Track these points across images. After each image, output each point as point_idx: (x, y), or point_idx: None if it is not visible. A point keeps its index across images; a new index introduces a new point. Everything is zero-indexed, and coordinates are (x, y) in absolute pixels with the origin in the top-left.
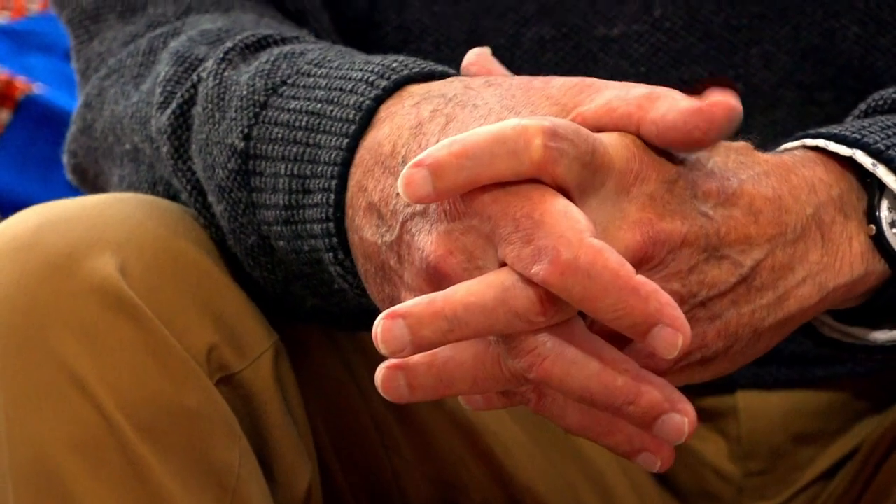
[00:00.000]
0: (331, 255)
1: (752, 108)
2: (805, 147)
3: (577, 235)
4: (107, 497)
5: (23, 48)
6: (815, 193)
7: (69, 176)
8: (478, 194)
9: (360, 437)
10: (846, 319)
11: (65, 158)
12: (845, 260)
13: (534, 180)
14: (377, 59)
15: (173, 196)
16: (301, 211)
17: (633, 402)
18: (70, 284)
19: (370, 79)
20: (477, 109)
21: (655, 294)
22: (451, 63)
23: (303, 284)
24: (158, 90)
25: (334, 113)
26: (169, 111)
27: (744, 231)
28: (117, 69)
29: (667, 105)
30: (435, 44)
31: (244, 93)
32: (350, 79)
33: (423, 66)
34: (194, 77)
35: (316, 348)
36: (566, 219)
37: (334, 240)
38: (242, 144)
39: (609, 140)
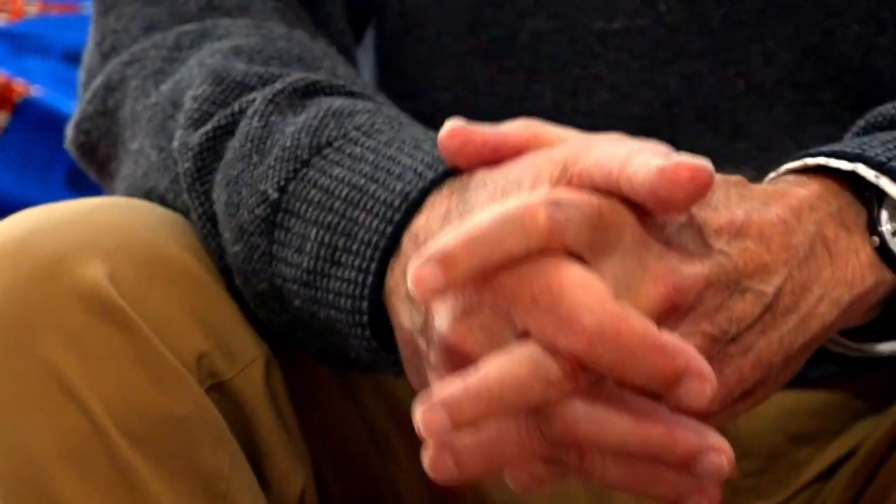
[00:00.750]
0: (357, 329)
1: (752, 107)
2: (806, 166)
3: (599, 304)
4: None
5: (20, 50)
6: (815, 211)
7: (72, 151)
8: (492, 272)
9: (356, 445)
10: (854, 337)
11: (71, 133)
12: (856, 272)
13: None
14: (427, 143)
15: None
16: (325, 280)
17: (671, 450)
18: (58, 291)
19: (418, 169)
20: (486, 187)
21: (682, 349)
22: (450, 53)
23: (307, 334)
24: (194, 106)
25: (378, 194)
26: (202, 131)
27: (759, 260)
28: (140, 58)
29: (639, 162)
30: (436, 33)
31: (288, 144)
32: (398, 162)
33: None
34: (236, 106)
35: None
36: (584, 287)
37: (364, 317)
38: (276, 196)
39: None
